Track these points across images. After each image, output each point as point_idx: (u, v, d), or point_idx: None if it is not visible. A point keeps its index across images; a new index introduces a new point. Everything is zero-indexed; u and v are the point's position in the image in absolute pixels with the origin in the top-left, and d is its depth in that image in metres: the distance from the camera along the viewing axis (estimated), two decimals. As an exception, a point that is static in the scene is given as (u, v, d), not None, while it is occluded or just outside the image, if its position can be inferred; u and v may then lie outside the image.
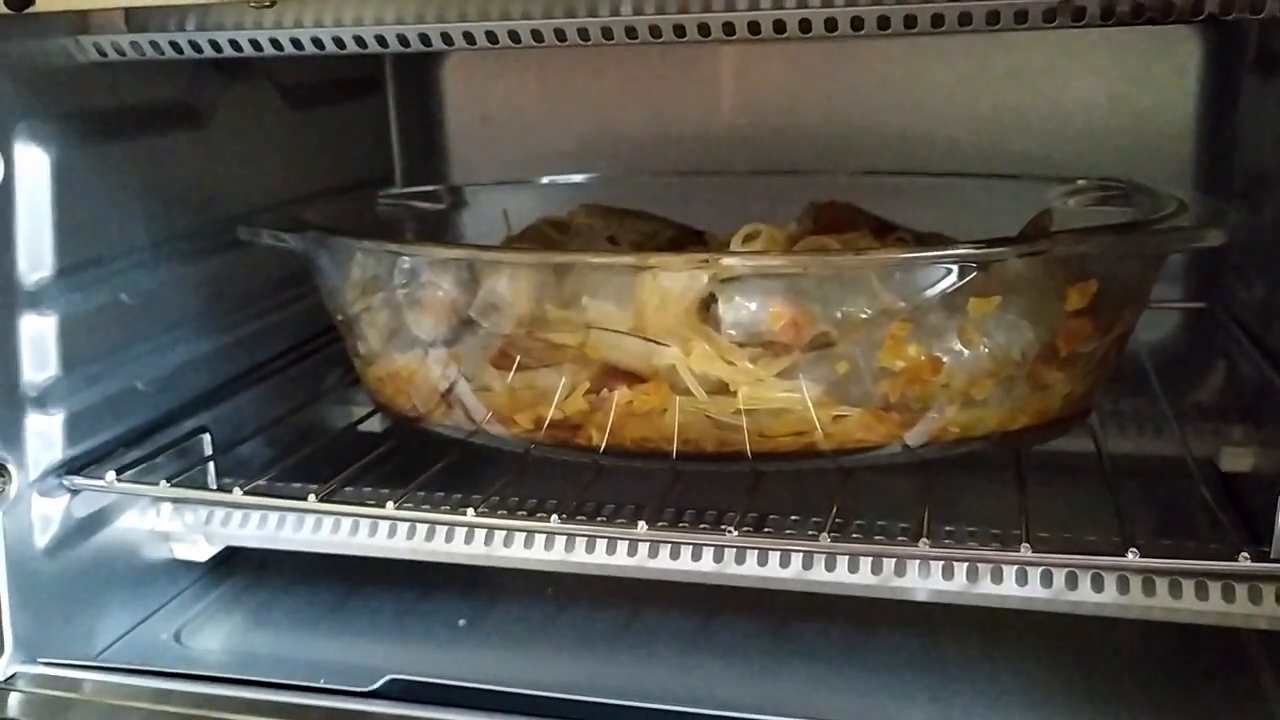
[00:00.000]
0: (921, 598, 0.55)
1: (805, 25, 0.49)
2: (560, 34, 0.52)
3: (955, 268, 0.52)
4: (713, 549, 0.56)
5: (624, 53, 0.89)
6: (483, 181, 0.87)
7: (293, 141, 0.79)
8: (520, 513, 0.58)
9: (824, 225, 0.65)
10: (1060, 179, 0.71)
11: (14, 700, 0.56)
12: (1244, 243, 0.73)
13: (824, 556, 0.55)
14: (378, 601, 0.66)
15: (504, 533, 0.59)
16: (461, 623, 0.63)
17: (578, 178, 0.84)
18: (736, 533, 0.54)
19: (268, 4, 0.51)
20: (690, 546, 0.57)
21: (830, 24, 0.49)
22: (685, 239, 0.74)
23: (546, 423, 0.57)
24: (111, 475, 0.59)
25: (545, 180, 0.84)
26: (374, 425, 0.74)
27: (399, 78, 0.95)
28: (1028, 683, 0.56)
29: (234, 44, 0.56)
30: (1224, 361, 0.79)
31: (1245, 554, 0.48)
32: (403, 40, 0.54)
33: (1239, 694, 0.55)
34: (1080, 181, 0.70)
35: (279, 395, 0.74)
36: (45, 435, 0.58)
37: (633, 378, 0.55)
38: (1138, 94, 0.82)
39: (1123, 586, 0.53)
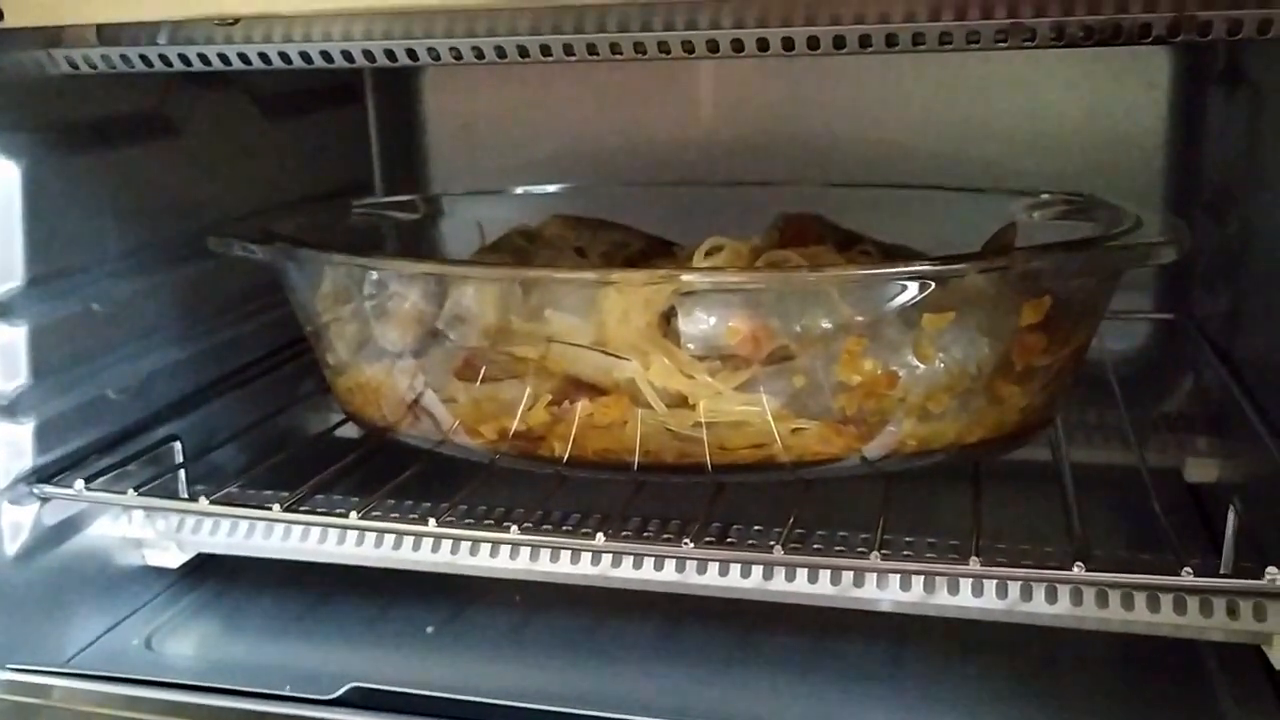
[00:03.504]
0: (885, 608, 0.56)
1: (763, 45, 0.50)
2: (523, 50, 0.53)
3: (913, 283, 0.53)
4: (674, 560, 0.57)
5: (604, 64, 0.90)
6: (460, 191, 0.87)
7: (269, 151, 0.80)
8: (486, 522, 0.59)
9: (789, 238, 0.66)
10: (1025, 192, 0.72)
11: (-18, 706, 0.57)
12: (1210, 255, 0.74)
13: (783, 568, 0.56)
14: (347, 608, 0.66)
15: (468, 542, 0.59)
16: (429, 630, 0.64)
17: (552, 188, 0.84)
18: (694, 544, 0.54)
19: (230, 22, 0.52)
20: (651, 558, 0.57)
21: (787, 43, 0.50)
22: (654, 250, 0.74)
23: (510, 434, 0.57)
24: (80, 484, 0.60)
25: (520, 190, 0.84)
26: (349, 431, 0.74)
27: (379, 87, 0.95)
28: (991, 691, 0.56)
29: (203, 58, 0.56)
30: (1191, 373, 0.80)
31: (1189, 569, 0.49)
32: (369, 56, 0.55)
33: (1196, 704, 0.55)
34: (1044, 195, 0.71)
35: (253, 402, 0.75)
36: (15, 444, 0.59)
37: (594, 390, 0.55)
38: (1109, 107, 0.83)
39: (1076, 599, 0.53)
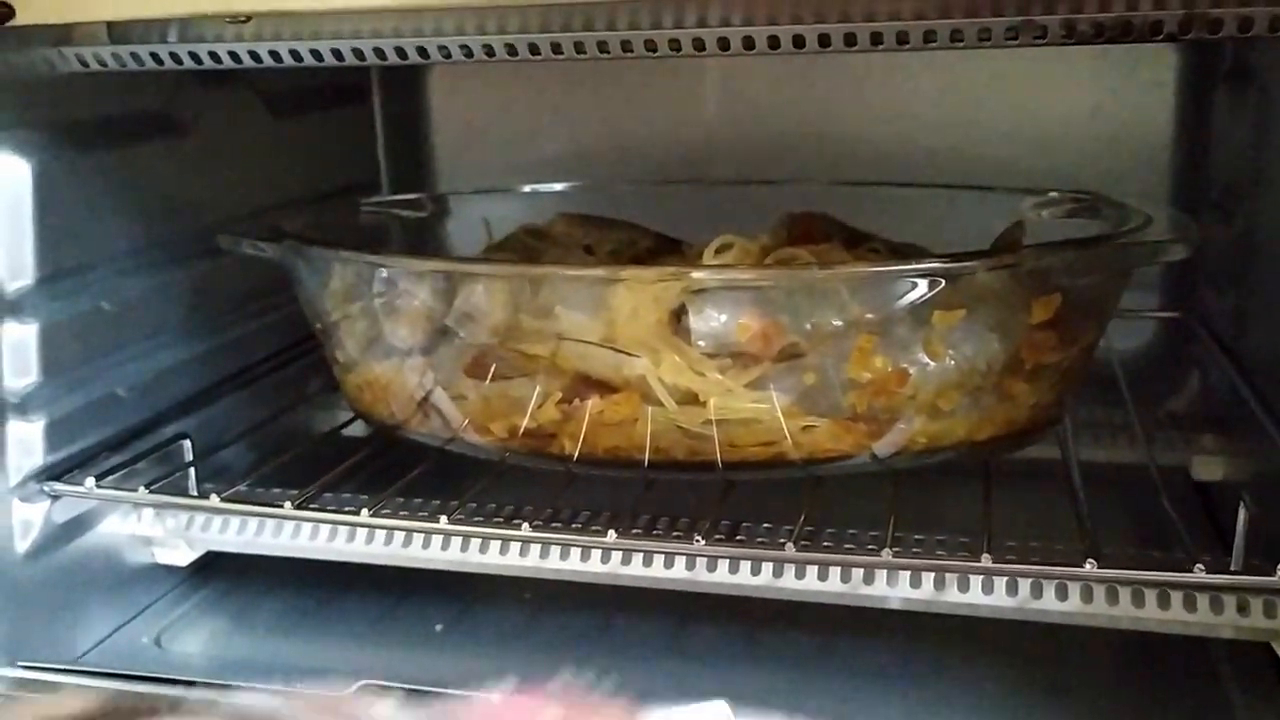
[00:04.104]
0: (894, 605, 0.56)
1: (774, 42, 0.50)
2: (533, 48, 0.53)
3: (923, 280, 0.53)
4: (684, 557, 0.57)
5: (611, 63, 0.90)
6: (467, 189, 0.87)
7: (276, 149, 0.80)
8: (496, 520, 0.59)
9: (797, 236, 0.66)
10: (1033, 191, 0.72)
11: (-7, 703, 0.57)
12: (1216, 253, 0.74)
13: (793, 565, 0.56)
14: (357, 606, 0.66)
15: (479, 540, 0.59)
16: (439, 627, 0.64)
17: (559, 186, 0.84)
18: (704, 541, 0.54)
19: (243, 19, 0.52)
20: (661, 555, 0.57)
21: (798, 41, 0.50)
22: (662, 248, 0.74)
23: (521, 431, 0.57)
24: (91, 482, 0.60)
25: (527, 188, 0.84)
26: (358, 430, 0.74)
27: (385, 85, 0.95)
28: (1000, 688, 0.56)
29: (214, 56, 0.56)
30: (1197, 371, 0.80)
31: (1200, 565, 0.49)
32: (379, 54, 0.55)
33: (1205, 701, 0.55)
34: (1052, 194, 0.71)
35: (263, 400, 0.75)
36: (26, 441, 0.59)
37: (604, 388, 0.55)
38: (1116, 105, 0.83)
39: (1087, 596, 0.53)
